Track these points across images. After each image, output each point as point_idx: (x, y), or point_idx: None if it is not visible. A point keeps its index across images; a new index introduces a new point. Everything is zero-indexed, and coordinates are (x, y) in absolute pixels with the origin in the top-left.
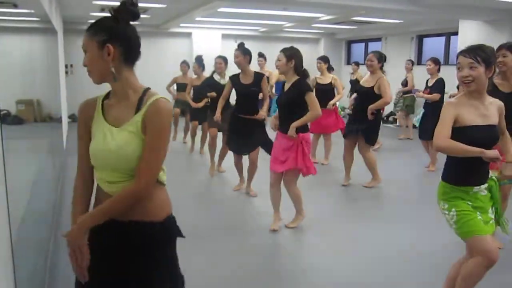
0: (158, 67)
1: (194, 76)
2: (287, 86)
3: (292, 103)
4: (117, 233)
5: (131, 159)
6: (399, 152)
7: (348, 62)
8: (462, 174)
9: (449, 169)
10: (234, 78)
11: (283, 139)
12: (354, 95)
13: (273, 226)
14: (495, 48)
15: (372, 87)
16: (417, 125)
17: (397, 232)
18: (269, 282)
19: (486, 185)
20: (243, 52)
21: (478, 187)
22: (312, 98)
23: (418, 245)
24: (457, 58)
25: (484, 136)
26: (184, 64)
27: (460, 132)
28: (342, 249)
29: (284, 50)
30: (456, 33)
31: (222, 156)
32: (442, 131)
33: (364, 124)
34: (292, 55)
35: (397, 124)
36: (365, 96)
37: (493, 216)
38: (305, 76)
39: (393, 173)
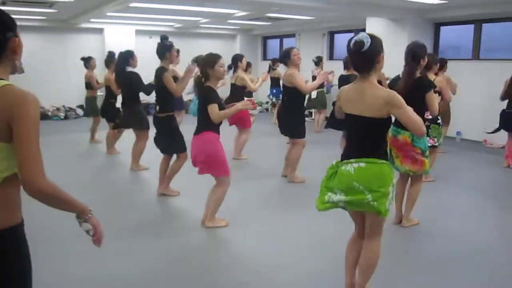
0: (67, 64)
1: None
2: None
3: None
4: None
5: None
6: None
7: (265, 58)
8: (386, 150)
9: (381, 150)
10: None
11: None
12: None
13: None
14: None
15: None
16: None
17: (319, 220)
18: (194, 277)
19: None
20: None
21: None
22: None
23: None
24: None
25: None
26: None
27: None
28: (263, 240)
29: None
30: (364, 30)
31: (139, 154)
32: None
33: None
34: None
35: (312, 117)
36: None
37: None
38: None
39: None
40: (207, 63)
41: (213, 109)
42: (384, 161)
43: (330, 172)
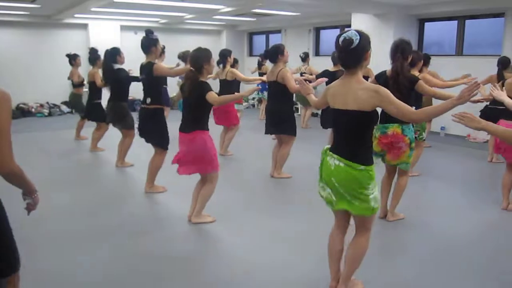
0: (51, 60)
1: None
2: None
3: None
4: None
5: None
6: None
7: (251, 54)
8: (370, 152)
9: (365, 152)
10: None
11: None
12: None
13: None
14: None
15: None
16: None
17: (305, 216)
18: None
19: None
20: None
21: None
22: None
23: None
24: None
25: None
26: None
27: None
28: (250, 236)
29: None
30: (349, 26)
31: (125, 151)
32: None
33: None
34: None
35: (299, 113)
36: None
37: None
38: None
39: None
40: (204, 58)
41: (212, 95)
42: (363, 167)
43: (322, 157)
